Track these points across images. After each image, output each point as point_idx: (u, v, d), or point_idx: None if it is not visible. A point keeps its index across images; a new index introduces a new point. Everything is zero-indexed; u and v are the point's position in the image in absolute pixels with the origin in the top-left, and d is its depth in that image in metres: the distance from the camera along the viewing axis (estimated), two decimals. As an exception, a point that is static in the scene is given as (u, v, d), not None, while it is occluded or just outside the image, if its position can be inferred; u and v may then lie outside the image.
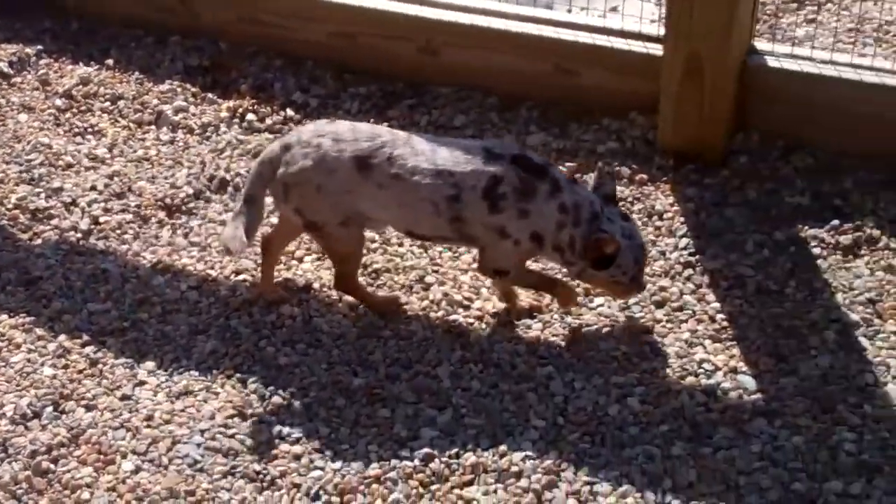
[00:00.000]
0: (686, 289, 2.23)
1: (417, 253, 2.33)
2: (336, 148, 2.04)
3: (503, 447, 1.96)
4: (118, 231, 2.41)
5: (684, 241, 2.32)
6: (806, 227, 2.32)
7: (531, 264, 2.18)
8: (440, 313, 2.21)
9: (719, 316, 2.17)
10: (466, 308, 2.22)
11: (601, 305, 2.20)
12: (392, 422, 2.01)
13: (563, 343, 2.14)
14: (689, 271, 2.27)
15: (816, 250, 2.28)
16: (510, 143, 2.26)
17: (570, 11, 2.71)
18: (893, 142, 2.36)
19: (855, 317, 2.14)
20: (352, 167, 2.04)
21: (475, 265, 2.19)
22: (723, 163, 2.46)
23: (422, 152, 2.04)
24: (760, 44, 2.49)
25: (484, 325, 2.18)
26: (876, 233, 2.29)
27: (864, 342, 2.11)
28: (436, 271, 2.29)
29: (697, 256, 2.29)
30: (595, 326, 2.17)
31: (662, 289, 2.23)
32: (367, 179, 2.04)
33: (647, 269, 2.21)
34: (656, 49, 2.46)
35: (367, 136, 2.06)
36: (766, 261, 2.26)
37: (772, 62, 2.42)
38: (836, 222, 2.31)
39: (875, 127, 2.36)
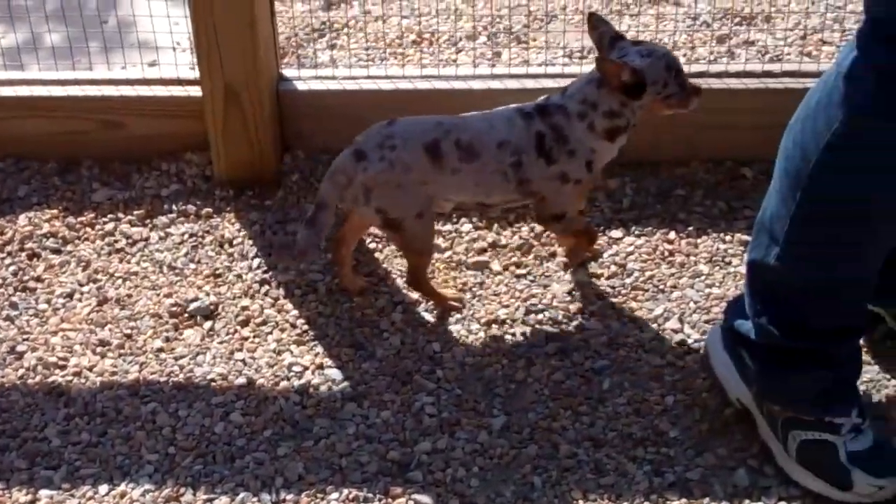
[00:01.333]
0: (266, 303, 2.42)
1: (4, 326, 2.38)
2: (406, 145, 2.19)
3: (121, 487, 2.07)
4: None
5: (257, 261, 2.51)
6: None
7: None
8: (37, 378, 2.28)
9: (299, 322, 2.38)
10: (63, 367, 2.30)
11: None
12: (9, 492, 2.07)
13: (162, 378, 2.27)
14: (265, 287, 2.45)
15: (372, 245, 2.53)
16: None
17: (109, 69, 2.82)
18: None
19: (415, 296, 2.41)
20: (425, 160, 2.19)
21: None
22: (278, 184, 2.66)
23: (479, 130, 2.22)
24: (289, 71, 2.72)
25: (83, 380, 2.27)
26: (420, 219, 2.57)
27: (428, 316, 2.38)
28: (25, 339, 2.36)
29: (271, 272, 2.48)
30: (188, 356, 2.31)
31: (244, 308, 2.41)
32: (441, 167, 2.20)
33: (238, 290, 2.40)
34: (196, 91, 2.62)
35: (431, 125, 2.22)
36: (331, 262, 2.49)
37: (301, 86, 2.66)
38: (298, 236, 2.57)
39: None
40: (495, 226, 2.55)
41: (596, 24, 2.25)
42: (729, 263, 2.47)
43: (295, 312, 2.39)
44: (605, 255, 2.49)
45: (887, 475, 1.99)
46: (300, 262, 2.41)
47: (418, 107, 2.60)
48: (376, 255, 2.51)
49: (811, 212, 1.90)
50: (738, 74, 2.63)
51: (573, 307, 2.38)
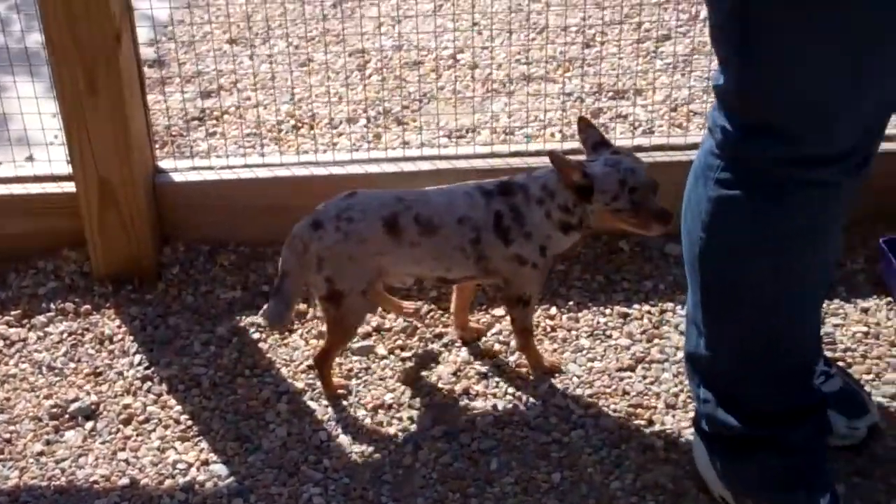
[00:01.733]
0: (148, 400, 2.39)
1: None
2: (364, 218, 2.19)
3: None
4: None
5: (138, 357, 2.48)
6: (243, 317, 2.56)
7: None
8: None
9: (183, 417, 2.35)
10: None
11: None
12: None
13: (43, 483, 2.22)
14: (148, 384, 2.42)
15: (256, 335, 2.52)
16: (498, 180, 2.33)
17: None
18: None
19: (300, 385, 2.40)
20: (383, 233, 2.20)
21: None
22: (158, 277, 2.64)
23: (439, 205, 2.22)
24: (166, 162, 2.71)
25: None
26: (302, 307, 2.56)
27: (313, 405, 2.36)
28: None
29: (153, 368, 2.45)
30: (70, 458, 2.27)
31: (126, 406, 2.37)
32: (399, 241, 2.20)
33: (120, 388, 2.36)
34: (71, 186, 2.60)
35: (391, 199, 2.22)
36: (215, 356, 2.47)
37: (178, 177, 2.65)
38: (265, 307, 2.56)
39: (282, 215, 2.63)
40: (379, 309, 2.55)
41: (583, 128, 2.28)
42: (609, 336, 2.50)
43: (178, 408, 2.36)
44: (489, 333, 2.51)
45: None
46: (277, 330, 2.49)
47: (297, 194, 2.63)
48: (260, 344, 2.50)
49: (708, 295, 1.92)
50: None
51: (458, 388, 2.39)
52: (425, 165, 2.65)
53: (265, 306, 2.33)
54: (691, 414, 2.31)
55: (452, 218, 2.24)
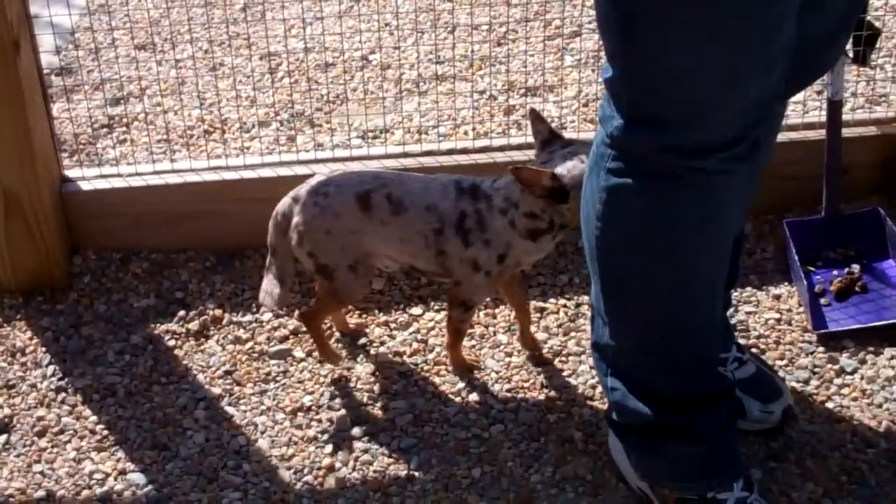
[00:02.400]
0: (63, 412, 2.35)
1: None
2: (339, 193, 2.21)
3: None
4: None
5: (51, 368, 2.44)
6: (158, 325, 2.53)
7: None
8: None
9: (99, 427, 2.31)
10: None
11: None
12: None
13: (-46, 501, 2.18)
14: (62, 395, 2.38)
15: (171, 342, 2.49)
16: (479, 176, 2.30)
17: None
18: (211, 232, 2.64)
19: (217, 390, 2.38)
20: (355, 208, 2.20)
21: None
22: (69, 287, 2.60)
23: (412, 189, 2.20)
24: (73, 171, 2.67)
25: None
26: (218, 312, 2.54)
27: (231, 410, 2.35)
28: None
29: (67, 379, 2.41)
30: (-18, 475, 2.23)
31: (41, 418, 2.33)
32: (370, 217, 2.21)
33: (33, 400, 2.32)
34: (-24, 199, 2.55)
35: (368, 178, 2.24)
36: (130, 364, 2.44)
37: (85, 186, 2.61)
38: (182, 313, 2.54)
39: (193, 222, 2.62)
40: (295, 312, 2.54)
41: (534, 120, 2.24)
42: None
43: (94, 418, 2.33)
44: (407, 332, 2.51)
45: None
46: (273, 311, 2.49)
47: (208, 199, 2.61)
48: (175, 351, 2.47)
49: (607, 284, 1.93)
50: (520, 147, 2.69)
51: (377, 388, 2.38)
52: (337, 167, 2.64)
53: (263, 287, 2.34)
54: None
55: (422, 203, 2.22)
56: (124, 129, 3.09)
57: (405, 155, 2.68)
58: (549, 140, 2.23)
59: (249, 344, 2.48)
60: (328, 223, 2.23)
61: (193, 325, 2.52)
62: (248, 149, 2.98)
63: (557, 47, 3.38)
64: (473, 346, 2.47)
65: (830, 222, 2.62)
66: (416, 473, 2.22)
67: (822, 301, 2.54)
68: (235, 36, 3.42)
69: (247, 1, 3.56)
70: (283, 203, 2.28)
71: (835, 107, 2.55)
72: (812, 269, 2.61)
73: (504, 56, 3.33)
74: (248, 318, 2.54)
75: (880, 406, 2.33)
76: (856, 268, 2.58)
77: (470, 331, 2.50)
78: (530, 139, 2.73)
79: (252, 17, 3.50)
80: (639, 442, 2.05)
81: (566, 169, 2.14)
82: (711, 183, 1.79)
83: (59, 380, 2.42)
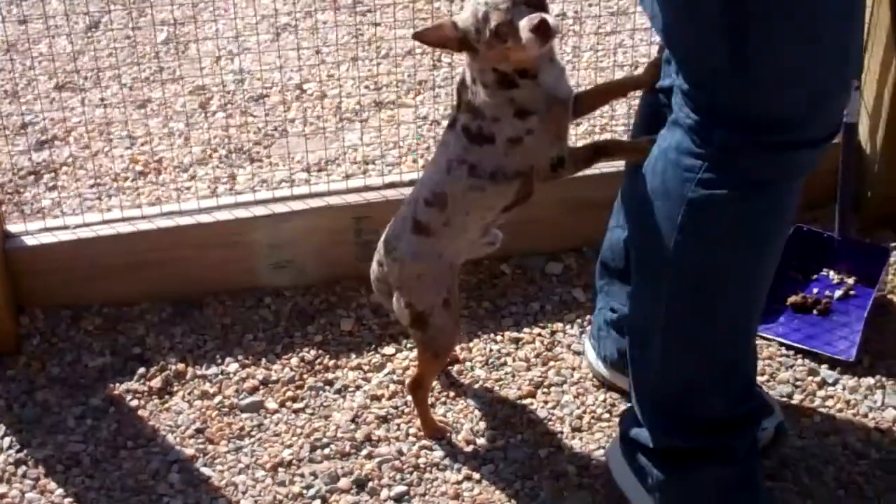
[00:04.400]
0: (25, 486, 2.19)
1: None
2: (402, 237, 2.10)
3: None
4: None
5: (7, 440, 2.28)
6: (117, 384, 2.38)
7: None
8: None
9: (67, 500, 2.17)
10: None
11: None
12: None
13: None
14: (23, 468, 2.23)
15: (134, 402, 2.35)
16: None
17: None
18: (167, 280, 2.50)
19: (190, 451, 2.25)
20: (418, 237, 2.08)
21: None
22: (17, 350, 2.44)
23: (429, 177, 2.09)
24: (14, 226, 2.51)
25: None
26: (181, 366, 2.41)
27: (207, 471, 2.22)
28: None
29: (25, 451, 2.26)
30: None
31: (2, 496, 2.18)
32: (433, 231, 2.07)
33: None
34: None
35: (402, 213, 2.12)
36: (92, 429, 2.29)
37: (30, 241, 2.46)
38: (142, 369, 2.40)
39: (147, 271, 2.49)
40: (263, 360, 2.42)
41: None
42: (504, 364, 2.44)
43: (60, 491, 2.18)
44: (382, 373, 2.41)
45: None
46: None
47: (161, 246, 2.48)
48: (139, 412, 2.33)
49: (678, 300, 1.87)
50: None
51: (359, 435, 2.28)
52: (297, 205, 2.52)
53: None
54: (597, 435, 2.28)
55: (443, 168, 2.05)
56: (53, 174, 2.92)
57: (365, 188, 2.57)
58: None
59: (218, 398, 2.36)
60: (414, 268, 2.11)
61: (156, 382, 2.38)
62: (189, 188, 2.85)
63: (494, 66, 3.31)
64: (452, 384, 2.39)
65: (841, 243, 2.59)
66: (411, 523, 2.13)
67: (786, 306, 2.53)
68: (159, 71, 3.28)
69: (169, 34, 3.42)
70: (375, 271, 2.20)
71: (850, 130, 2.49)
72: (802, 278, 2.59)
73: (442, 79, 3.25)
74: (214, 370, 2.41)
75: (866, 416, 2.32)
76: (834, 293, 2.56)
77: (447, 366, 2.41)
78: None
79: (178, 50, 3.36)
80: (667, 466, 2.00)
81: (468, 12, 1.91)
82: (799, 181, 1.80)
83: (18, 452, 2.26)
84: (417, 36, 1.97)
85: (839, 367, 2.40)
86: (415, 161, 2.93)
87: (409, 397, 2.34)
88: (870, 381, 2.38)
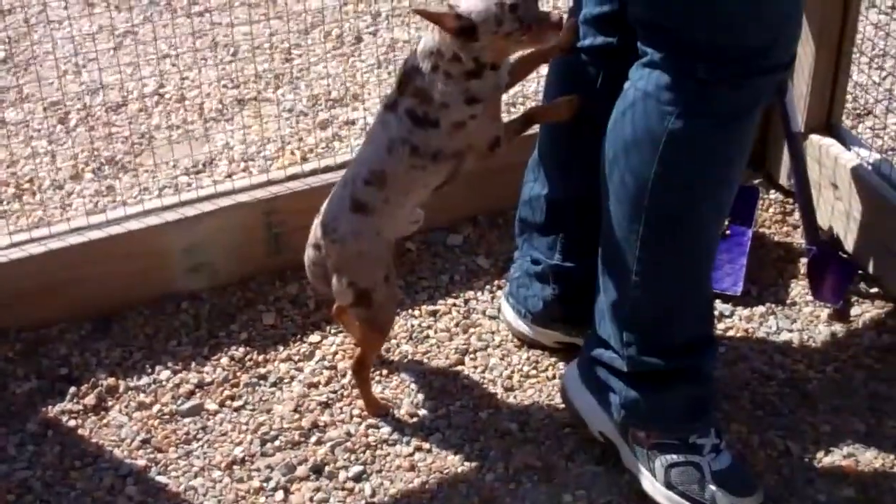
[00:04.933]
0: (-26, 522, 2.14)
1: None
2: (341, 218, 2.13)
3: None
4: None
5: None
6: (50, 407, 2.34)
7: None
8: None
9: (22, 529, 2.13)
10: None
11: None
12: None
13: None
14: (-35, 504, 2.17)
15: (72, 422, 2.31)
16: None
17: None
18: (83, 297, 2.48)
19: (141, 462, 2.23)
20: (357, 215, 2.12)
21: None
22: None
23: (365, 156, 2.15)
24: None
25: None
26: (112, 381, 2.38)
27: (163, 479, 2.21)
28: None
29: (-36, 489, 2.20)
30: None
31: (-48, 535, 2.12)
32: (373, 210, 2.12)
33: None
34: None
35: (338, 193, 2.16)
36: (36, 454, 2.25)
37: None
38: (73, 389, 2.36)
39: (62, 290, 2.45)
40: (193, 364, 2.42)
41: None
42: (427, 337, 2.52)
43: (14, 519, 2.14)
44: (314, 361, 2.45)
45: (746, 494, 2.10)
46: None
47: (71, 265, 2.44)
48: (79, 431, 2.30)
49: (653, 229, 2.00)
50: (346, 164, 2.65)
51: (305, 423, 2.32)
52: (190, 210, 2.52)
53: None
54: (529, 392, 2.40)
55: (381, 147, 2.11)
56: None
57: (263, 185, 2.59)
58: None
59: (156, 407, 2.35)
60: (355, 247, 2.15)
61: (89, 400, 2.35)
62: (70, 205, 2.79)
63: (346, 54, 3.37)
64: (385, 361, 2.45)
65: None
66: (375, 500, 2.19)
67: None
68: (6, 90, 3.18)
69: (7, 52, 3.32)
70: (310, 256, 2.21)
71: (796, 138, 2.56)
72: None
73: (298, 71, 3.29)
74: (146, 380, 2.39)
75: (765, 341, 2.51)
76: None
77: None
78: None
79: (17, 68, 3.27)
80: (637, 386, 2.13)
81: (470, 5, 1.98)
82: (760, 108, 1.97)
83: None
84: (419, 11, 2.01)
85: (731, 301, 2.59)
86: (293, 153, 2.96)
87: (346, 380, 2.40)
88: (761, 309, 2.58)
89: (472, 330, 2.53)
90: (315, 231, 2.19)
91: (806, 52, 2.55)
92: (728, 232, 2.71)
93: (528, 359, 2.47)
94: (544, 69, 2.40)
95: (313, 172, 2.60)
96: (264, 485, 2.21)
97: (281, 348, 2.47)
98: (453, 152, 2.10)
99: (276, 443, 2.28)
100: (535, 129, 2.36)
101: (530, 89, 3.02)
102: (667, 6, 1.89)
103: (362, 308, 2.21)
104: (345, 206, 2.14)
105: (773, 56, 1.92)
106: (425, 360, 2.46)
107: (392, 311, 2.27)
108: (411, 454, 2.27)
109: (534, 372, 2.44)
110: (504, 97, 2.21)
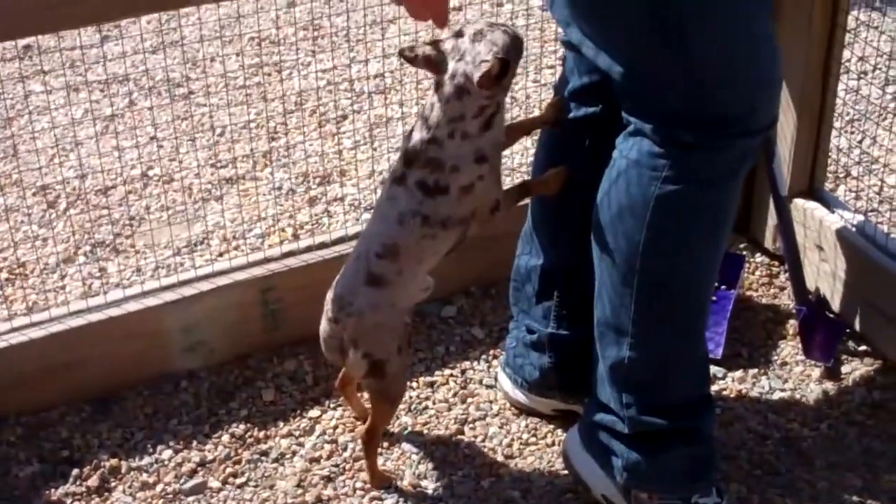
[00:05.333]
0: None
1: None
2: (354, 292, 2.16)
3: None
4: None
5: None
6: (52, 490, 2.33)
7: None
8: None
9: None
10: None
11: None
12: None
13: None
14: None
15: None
16: None
17: None
18: (82, 380, 2.48)
19: (147, 542, 2.24)
20: (372, 289, 2.15)
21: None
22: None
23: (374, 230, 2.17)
24: None
25: None
26: (114, 462, 2.38)
27: (168, 558, 2.22)
28: None
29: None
30: None
31: None
32: (385, 283, 2.15)
33: None
34: None
35: (351, 268, 2.18)
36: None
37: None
38: (75, 471, 2.35)
39: (62, 373, 2.45)
40: (194, 442, 2.43)
41: (408, 54, 2.07)
42: (426, 408, 2.53)
43: None
44: (314, 435, 2.46)
45: None
46: None
47: (74, 345, 2.45)
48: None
49: (644, 293, 2.04)
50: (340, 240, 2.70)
51: (309, 497, 2.32)
52: (169, 295, 2.53)
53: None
54: (529, 459, 2.42)
55: (392, 220, 2.13)
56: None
57: (250, 265, 2.61)
58: (436, 54, 2.07)
59: (160, 486, 2.35)
60: (372, 319, 2.17)
61: (92, 482, 2.34)
62: (64, 287, 2.81)
63: (330, 133, 3.42)
64: (385, 434, 2.46)
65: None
66: (382, 573, 2.19)
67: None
68: (-6, 176, 3.21)
69: (-6, 137, 3.35)
70: (323, 329, 2.22)
71: (783, 201, 2.59)
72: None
73: (285, 149, 3.33)
74: (148, 459, 2.39)
75: (759, 401, 2.55)
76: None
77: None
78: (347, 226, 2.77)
79: (4, 154, 3.30)
80: (639, 448, 2.16)
81: (498, 47, 2.01)
82: (744, 171, 2.03)
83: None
84: (484, 82, 2.01)
85: (724, 363, 2.63)
86: (283, 231, 2.99)
87: (347, 454, 2.41)
88: (753, 370, 2.62)
89: (470, 400, 2.56)
90: (329, 305, 2.21)
91: (788, 120, 2.62)
92: (714, 298, 2.76)
93: (526, 426, 2.49)
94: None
95: (308, 249, 2.63)
96: (271, 562, 2.21)
97: (281, 424, 2.48)
98: (461, 218, 2.14)
99: (281, 519, 2.29)
100: (527, 199, 2.41)
101: (516, 161, 3.08)
102: (646, 77, 1.95)
103: (375, 379, 2.23)
104: (360, 279, 2.17)
105: (753, 120, 1.98)
106: (425, 431, 2.48)
107: (404, 383, 2.29)
108: (414, 526, 2.28)
109: (533, 439, 2.46)
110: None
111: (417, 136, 2.10)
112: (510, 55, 2.03)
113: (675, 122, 1.96)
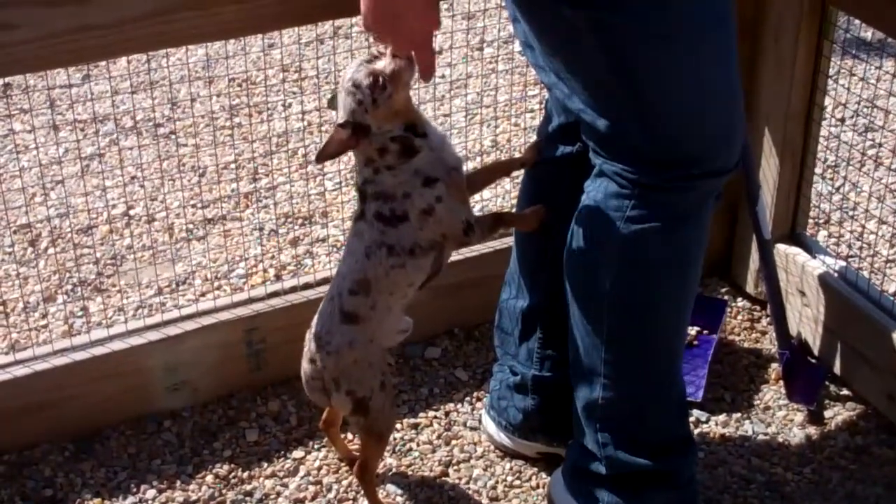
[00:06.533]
0: None
1: None
2: (332, 330, 2.17)
3: None
4: None
5: None
6: (35, 531, 2.31)
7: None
8: None
9: None
10: None
11: None
12: None
13: None
14: None
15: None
16: None
17: None
18: (65, 418, 2.46)
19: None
20: (350, 327, 2.15)
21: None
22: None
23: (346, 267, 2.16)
24: None
25: None
26: (97, 501, 2.36)
27: None
28: None
29: None
30: None
31: None
32: (364, 320, 2.15)
33: None
34: None
35: (327, 308, 2.18)
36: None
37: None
38: (57, 511, 2.34)
39: (45, 412, 2.44)
40: (178, 482, 2.41)
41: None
42: (410, 450, 2.53)
43: None
44: (298, 476, 2.45)
45: None
46: None
47: (57, 383, 2.44)
48: (65, 554, 2.27)
49: (615, 334, 2.06)
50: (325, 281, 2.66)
51: (296, 540, 2.31)
52: (152, 335, 2.52)
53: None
54: (514, 501, 2.41)
55: (359, 255, 2.13)
56: None
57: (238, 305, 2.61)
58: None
59: (147, 528, 2.33)
60: (350, 356, 2.17)
61: (81, 526, 2.33)
62: (46, 327, 2.79)
63: (312, 174, 3.43)
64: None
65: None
66: None
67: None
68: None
69: (-26, 175, 3.33)
70: (307, 370, 2.21)
71: (767, 245, 2.59)
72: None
73: (267, 189, 3.33)
74: (131, 499, 2.37)
75: (742, 445, 2.56)
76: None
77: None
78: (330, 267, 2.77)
79: (-16, 192, 3.27)
80: (620, 491, 2.16)
81: (344, 112, 2.01)
82: (709, 208, 2.04)
83: None
84: (320, 158, 2.06)
85: (708, 407, 2.64)
86: (265, 271, 2.99)
87: (332, 495, 2.40)
88: (737, 414, 2.63)
89: (454, 442, 2.55)
90: (309, 345, 2.21)
91: (770, 166, 2.65)
92: (696, 342, 2.78)
93: (511, 469, 2.49)
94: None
95: (293, 290, 2.63)
96: None
97: (265, 465, 2.47)
98: (429, 244, 2.13)
99: (267, 561, 2.27)
100: (511, 241, 2.42)
101: (500, 202, 3.10)
102: (608, 122, 1.96)
103: (360, 416, 2.22)
104: (335, 319, 2.17)
105: (716, 162, 2.00)
106: (410, 473, 2.47)
107: (391, 418, 2.29)
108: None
109: (518, 482, 2.46)
110: (475, 208, 2.28)
111: (357, 178, 2.12)
112: (356, 114, 2.00)
113: (636, 163, 1.97)
